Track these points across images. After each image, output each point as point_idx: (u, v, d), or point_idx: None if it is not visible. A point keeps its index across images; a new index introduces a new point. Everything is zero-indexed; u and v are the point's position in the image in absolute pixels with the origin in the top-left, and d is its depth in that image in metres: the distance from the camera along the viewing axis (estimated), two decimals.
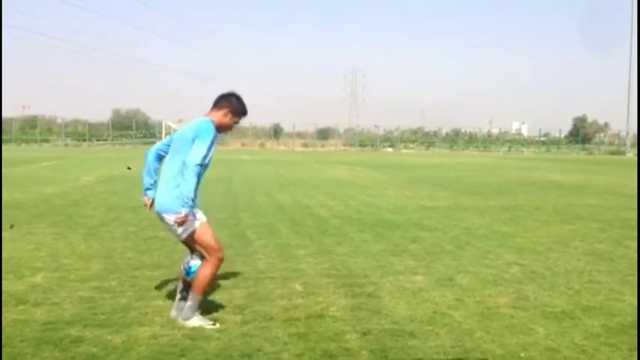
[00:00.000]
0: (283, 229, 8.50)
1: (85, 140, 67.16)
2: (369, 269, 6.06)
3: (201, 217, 4.37)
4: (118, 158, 32.35)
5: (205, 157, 4.18)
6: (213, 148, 4.27)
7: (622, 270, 6.15)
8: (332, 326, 4.28)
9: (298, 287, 5.36)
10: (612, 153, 67.83)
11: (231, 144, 67.98)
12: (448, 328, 4.25)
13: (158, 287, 5.30)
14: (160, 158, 4.58)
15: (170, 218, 4.29)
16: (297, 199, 12.60)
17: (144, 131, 73.77)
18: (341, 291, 5.21)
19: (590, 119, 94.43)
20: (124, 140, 69.26)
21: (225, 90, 4.56)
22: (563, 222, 9.54)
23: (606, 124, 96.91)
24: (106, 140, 68.72)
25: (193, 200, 4.21)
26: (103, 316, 4.44)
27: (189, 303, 4.31)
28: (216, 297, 4.95)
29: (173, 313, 4.45)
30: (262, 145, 68.71)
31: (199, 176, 4.20)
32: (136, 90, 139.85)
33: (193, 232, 4.32)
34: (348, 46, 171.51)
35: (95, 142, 67.27)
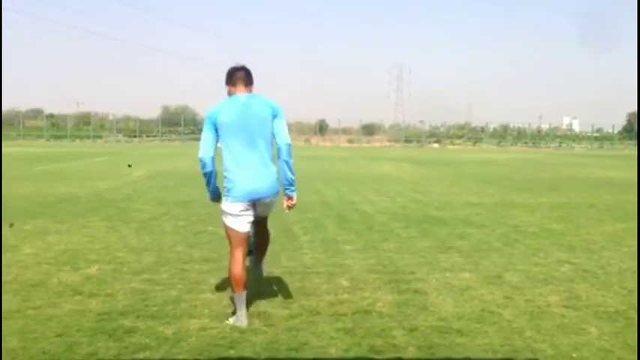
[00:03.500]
0: (329, 225, 8.53)
1: (135, 136, 68.80)
2: (416, 266, 6.03)
3: None
4: (166, 154, 33.04)
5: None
6: None
7: None
8: (378, 322, 4.28)
9: (344, 283, 5.38)
10: None
11: None
12: (497, 326, 4.20)
13: (207, 281, 5.39)
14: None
15: (276, 199, 4.45)
16: (343, 194, 12.62)
17: (192, 127, 75.06)
18: (387, 287, 5.20)
19: None
20: (173, 136, 70.62)
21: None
22: (616, 220, 9.27)
23: None
24: (155, 136, 70.22)
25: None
26: (154, 308, 4.56)
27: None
28: (263, 291, 5.00)
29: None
30: (307, 140, 68.94)
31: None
32: (184, 87, 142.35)
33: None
34: (394, 41, 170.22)
35: (145, 138, 68.82)
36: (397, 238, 7.51)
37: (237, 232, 4.37)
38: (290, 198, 4.49)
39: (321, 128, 77.33)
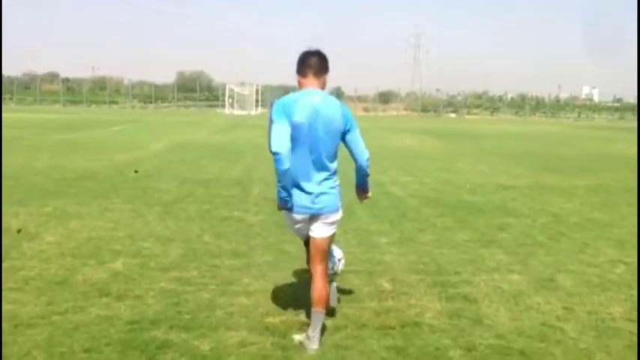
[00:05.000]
0: (360, 211, 8.14)
1: (151, 102, 68.45)
2: (459, 264, 5.67)
3: None
4: (183, 122, 32.71)
5: (270, 141, 3.67)
6: None
7: None
8: (431, 338, 3.94)
9: (386, 285, 5.04)
10: None
11: None
12: (562, 346, 3.84)
13: (240, 280, 5.06)
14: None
15: (336, 216, 3.93)
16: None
17: (207, 94, 74.57)
18: (433, 291, 4.85)
19: None
20: (188, 103, 70.22)
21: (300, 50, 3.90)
22: None
23: None
24: (170, 102, 69.84)
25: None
26: (187, 316, 4.24)
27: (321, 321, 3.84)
28: (302, 294, 4.67)
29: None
30: None
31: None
32: (200, 52, 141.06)
33: (335, 233, 4.01)
34: (412, 8, 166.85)
35: (160, 104, 68.48)
36: (433, 229, 7.14)
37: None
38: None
39: (337, 96, 76.50)
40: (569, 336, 4.00)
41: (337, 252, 4.35)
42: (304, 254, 5.91)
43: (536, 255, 6.02)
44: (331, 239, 3.96)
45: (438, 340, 3.91)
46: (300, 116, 3.65)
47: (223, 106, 58.31)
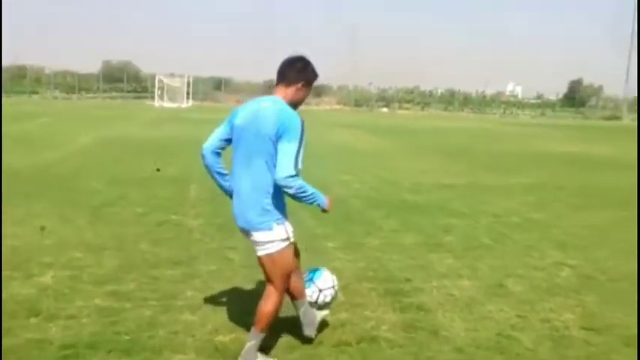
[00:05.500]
0: (302, 213, 7.93)
1: (74, 93, 65.62)
2: (409, 270, 5.56)
3: (291, 231, 3.53)
4: (111, 115, 31.46)
5: (298, 160, 3.27)
6: (304, 140, 3.34)
7: None
8: (389, 355, 3.79)
9: (338, 295, 4.85)
10: (608, 118, 67.26)
11: (225, 100, 66.88)
12: (521, 359, 3.77)
13: (182, 294, 4.75)
14: (219, 155, 3.69)
15: (262, 236, 3.45)
16: (308, 171, 11.98)
17: (134, 84, 72.23)
18: (387, 301, 4.71)
19: (585, 82, 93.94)
20: (114, 94, 67.73)
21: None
22: (592, 207, 9.08)
23: (600, 88, 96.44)
24: (95, 93, 67.17)
25: (283, 208, 3.49)
26: (127, 337, 3.91)
27: (252, 341, 3.56)
28: (250, 308, 4.42)
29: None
30: None
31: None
32: (127, 40, 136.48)
33: (273, 254, 3.48)
34: (347, 2, 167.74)
35: (84, 94, 65.73)
36: (380, 232, 7.02)
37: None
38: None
39: (270, 88, 75.89)
40: (526, 347, 3.94)
41: (323, 280, 3.93)
42: (250, 262, 5.69)
43: (483, 259, 6.00)
44: (267, 263, 3.51)
45: (397, 356, 3.77)
46: (239, 120, 3.50)
47: (152, 97, 56.59)
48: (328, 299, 3.92)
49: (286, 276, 3.58)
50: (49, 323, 4.09)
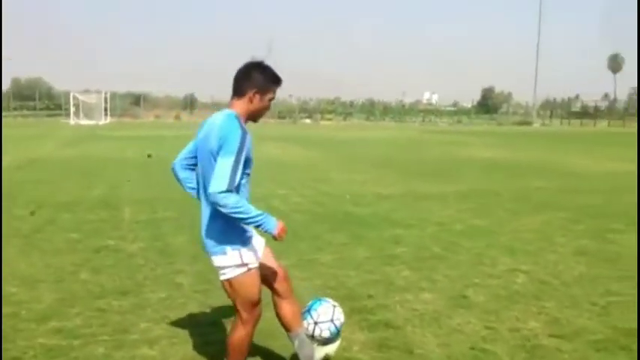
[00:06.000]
0: None
1: None
2: (368, 285, 5.43)
3: (250, 258, 3.25)
4: (26, 135, 29.82)
5: (234, 176, 2.99)
6: (244, 154, 3.04)
7: (630, 273, 5.84)
8: None
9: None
10: (520, 123, 70.49)
11: (144, 116, 65.13)
12: None
13: (135, 326, 4.41)
14: (190, 168, 3.46)
15: (217, 260, 3.23)
16: None
17: (47, 102, 69.16)
18: (353, 320, 4.55)
19: (497, 90, 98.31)
20: (26, 112, 64.54)
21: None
22: (530, 212, 9.30)
23: (510, 95, 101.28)
24: (6, 112, 63.68)
25: (242, 233, 3.22)
26: None
27: None
28: (216, 337, 4.15)
29: None
30: (177, 117, 66.13)
31: (239, 194, 3.09)
32: (35, 56, 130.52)
33: (230, 280, 3.25)
34: (263, 11, 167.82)
35: None
36: (330, 247, 6.87)
37: None
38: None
39: (191, 103, 74.62)
40: (502, 359, 3.88)
41: (322, 312, 3.65)
42: (202, 286, 5.40)
43: (438, 269, 5.96)
44: (227, 288, 3.28)
45: None
46: (199, 135, 3.27)
47: (67, 115, 54.30)
48: (326, 334, 3.59)
49: (249, 304, 3.31)
50: None
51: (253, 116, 3.29)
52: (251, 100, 3.20)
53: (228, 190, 2.96)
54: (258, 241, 3.45)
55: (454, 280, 5.62)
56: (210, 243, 3.21)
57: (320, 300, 3.78)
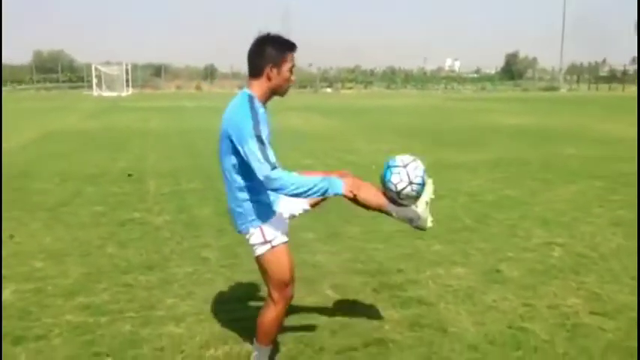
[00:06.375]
0: None
1: (5, 85, 62.53)
2: (398, 260, 5.29)
3: (272, 234, 3.10)
4: (49, 107, 30.00)
5: (267, 153, 2.84)
6: (263, 132, 2.89)
7: None
8: (401, 358, 3.50)
9: (330, 292, 4.54)
10: (546, 89, 68.97)
11: (165, 86, 65.14)
12: (541, 353, 3.54)
13: (162, 302, 4.33)
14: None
15: (246, 237, 3.14)
16: None
17: (69, 74, 69.48)
18: (384, 297, 4.42)
19: (521, 55, 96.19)
20: (49, 85, 64.93)
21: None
22: (563, 181, 9.01)
23: (534, 59, 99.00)
24: (28, 85, 64.20)
25: (262, 209, 3.09)
26: (109, 359, 3.49)
27: (254, 353, 3.33)
28: (242, 314, 4.05)
29: None
30: (198, 87, 66.01)
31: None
32: (57, 29, 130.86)
33: (259, 257, 3.15)
34: None
35: (17, 87, 62.74)
36: (358, 220, 6.68)
37: None
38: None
39: (211, 73, 74.38)
40: (542, 339, 3.72)
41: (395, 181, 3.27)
42: (228, 261, 5.31)
43: (471, 242, 5.79)
44: (258, 266, 3.16)
45: (409, 359, 3.48)
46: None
47: (89, 87, 54.57)
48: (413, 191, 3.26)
49: (279, 283, 3.14)
50: (15, 347, 3.62)
51: (277, 92, 3.09)
52: (269, 77, 3.01)
53: (273, 168, 2.83)
54: (285, 210, 3.29)
55: (487, 253, 5.44)
56: (234, 222, 3.16)
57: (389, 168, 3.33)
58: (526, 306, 4.23)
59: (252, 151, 2.85)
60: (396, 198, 3.29)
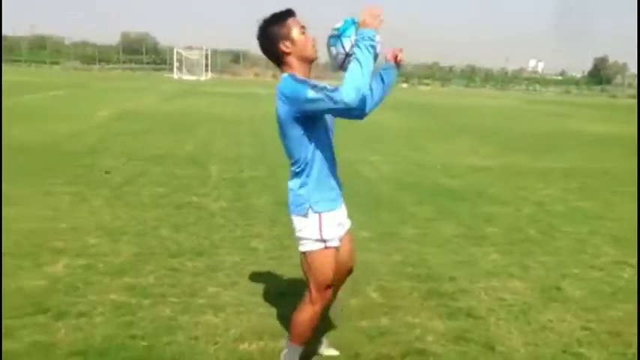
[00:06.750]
0: None
1: (94, 64, 65.48)
2: (452, 267, 5.05)
3: (330, 234, 2.95)
4: (130, 87, 31.09)
5: (324, 87, 2.69)
6: (312, 82, 2.75)
7: None
8: None
9: (375, 295, 4.37)
10: (635, 96, 65.28)
11: (244, 73, 66.19)
12: None
13: (204, 290, 4.30)
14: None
15: (296, 221, 2.98)
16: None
17: (153, 56, 71.89)
18: (431, 304, 4.21)
19: (611, 60, 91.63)
20: (134, 65, 67.44)
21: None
22: None
23: (625, 65, 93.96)
24: (115, 64, 66.94)
25: (327, 194, 2.96)
26: (144, 343, 3.47)
27: (284, 350, 3.20)
28: (281, 311, 3.94)
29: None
30: (275, 76, 66.57)
31: (325, 160, 2.92)
32: (145, 12, 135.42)
33: (305, 254, 3.00)
34: None
35: (105, 66, 65.54)
36: (415, 221, 6.50)
37: None
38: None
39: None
40: None
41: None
42: (276, 252, 5.23)
43: (533, 255, 5.46)
44: (302, 261, 3.02)
45: None
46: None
47: (171, 70, 56.23)
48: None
49: (322, 284, 2.99)
50: (57, 322, 3.66)
51: (305, 59, 2.90)
52: (288, 52, 2.85)
53: (335, 89, 2.66)
54: (343, 218, 3.14)
55: (549, 268, 5.11)
56: (292, 200, 2.97)
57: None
58: (585, 330, 3.91)
59: (314, 97, 2.68)
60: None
